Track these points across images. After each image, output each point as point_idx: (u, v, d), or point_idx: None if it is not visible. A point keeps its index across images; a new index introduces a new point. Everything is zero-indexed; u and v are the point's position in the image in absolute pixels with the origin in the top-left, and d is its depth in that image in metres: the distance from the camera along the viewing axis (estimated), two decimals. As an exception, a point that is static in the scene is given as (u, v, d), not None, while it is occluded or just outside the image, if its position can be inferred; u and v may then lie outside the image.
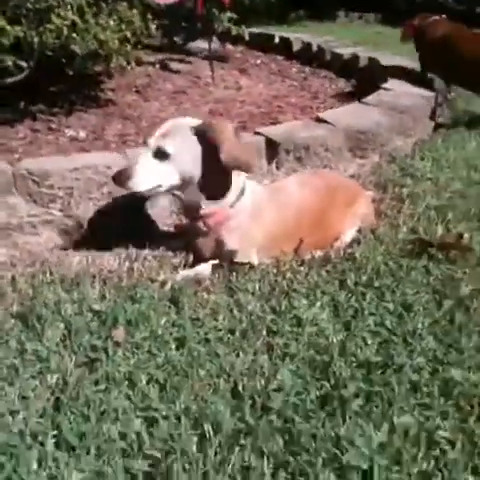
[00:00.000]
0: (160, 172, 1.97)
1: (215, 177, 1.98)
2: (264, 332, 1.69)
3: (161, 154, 1.95)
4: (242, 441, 1.30)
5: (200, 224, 2.06)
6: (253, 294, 1.88)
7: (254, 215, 2.07)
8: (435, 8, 4.13)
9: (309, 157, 2.81)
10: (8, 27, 2.64)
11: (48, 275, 1.98)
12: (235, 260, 2.02)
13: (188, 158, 1.97)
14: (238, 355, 1.60)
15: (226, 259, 2.03)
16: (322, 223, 2.17)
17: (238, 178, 2.05)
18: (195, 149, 1.97)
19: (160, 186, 1.99)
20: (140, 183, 1.96)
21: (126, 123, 3.28)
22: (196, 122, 2.02)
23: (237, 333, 1.69)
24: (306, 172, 2.60)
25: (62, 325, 1.71)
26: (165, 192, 2.06)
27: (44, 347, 1.61)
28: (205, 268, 2.02)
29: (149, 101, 3.69)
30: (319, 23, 8.40)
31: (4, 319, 1.74)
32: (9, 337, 1.67)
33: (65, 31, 2.78)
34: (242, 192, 2.06)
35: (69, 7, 2.80)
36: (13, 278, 1.97)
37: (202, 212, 2.04)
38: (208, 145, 1.95)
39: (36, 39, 2.79)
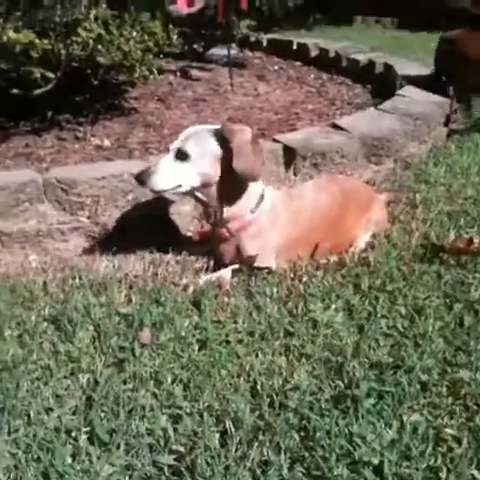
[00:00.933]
0: (180, 173, 2.02)
1: (232, 180, 2.03)
2: (281, 334, 1.75)
3: (181, 155, 2.01)
4: (261, 437, 1.37)
5: (223, 230, 2.11)
6: (271, 297, 1.93)
7: (273, 221, 2.11)
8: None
9: (325, 163, 2.86)
10: (37, 40, 2.73)
11: (77, 280, 2.06)
12: (254, 265, 2.08)
13: (207, 160, 2.02)
14: (257, 356, 1.66)
15: (246, 264, 2.08)
16: (338, 228, 2.21)
17: (257, 183, 2.09)
18: (214, 151, 2.02)
19: (180, 186, 2.04)
20: (160, 182, 2.02)
21: (148, 131, 3.37)
22: (216, 127, 2.07)
23: (256, 335, 1.75)
24: (323, 178, 2.61)
25: (92, 327, 1.79)
26: (187, 194, 2.11)
27: (75, 348, 1.69)
28: (226, 273, 2.08)
29: (171, 109, 3.78)
30: (336, 28, 8.41)
31: (37, 322, 1.82)
32: (42, 339, 1.75)
33: (91, 43, 2.89)
34: (262, 198, 2.11)
35: (94, 19, 2.91)
36: (44, 283, 2.06)
37: (224, 216, 2.09)
38: (226, 149, 2.01)
39: (63, 51, 2.89)
